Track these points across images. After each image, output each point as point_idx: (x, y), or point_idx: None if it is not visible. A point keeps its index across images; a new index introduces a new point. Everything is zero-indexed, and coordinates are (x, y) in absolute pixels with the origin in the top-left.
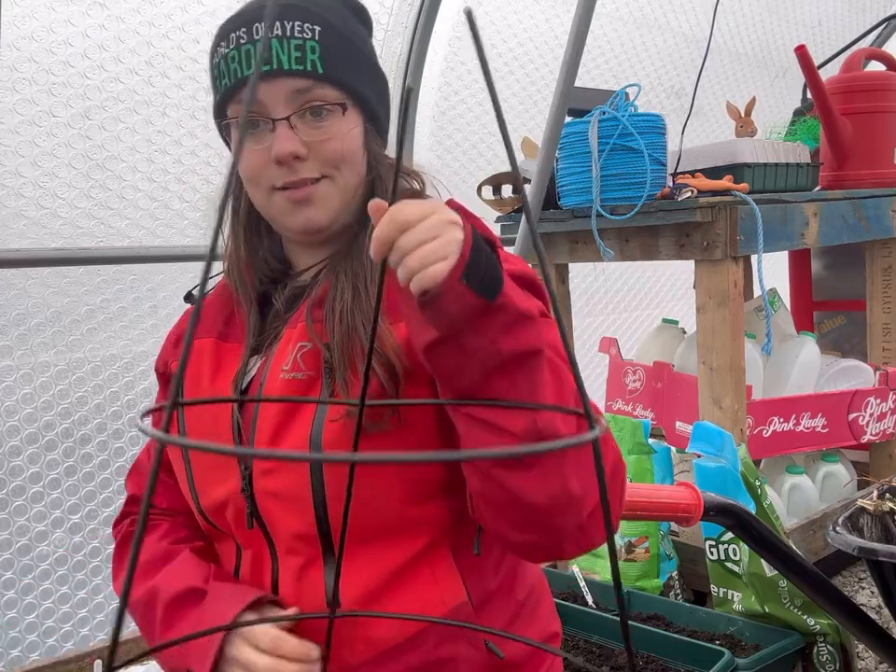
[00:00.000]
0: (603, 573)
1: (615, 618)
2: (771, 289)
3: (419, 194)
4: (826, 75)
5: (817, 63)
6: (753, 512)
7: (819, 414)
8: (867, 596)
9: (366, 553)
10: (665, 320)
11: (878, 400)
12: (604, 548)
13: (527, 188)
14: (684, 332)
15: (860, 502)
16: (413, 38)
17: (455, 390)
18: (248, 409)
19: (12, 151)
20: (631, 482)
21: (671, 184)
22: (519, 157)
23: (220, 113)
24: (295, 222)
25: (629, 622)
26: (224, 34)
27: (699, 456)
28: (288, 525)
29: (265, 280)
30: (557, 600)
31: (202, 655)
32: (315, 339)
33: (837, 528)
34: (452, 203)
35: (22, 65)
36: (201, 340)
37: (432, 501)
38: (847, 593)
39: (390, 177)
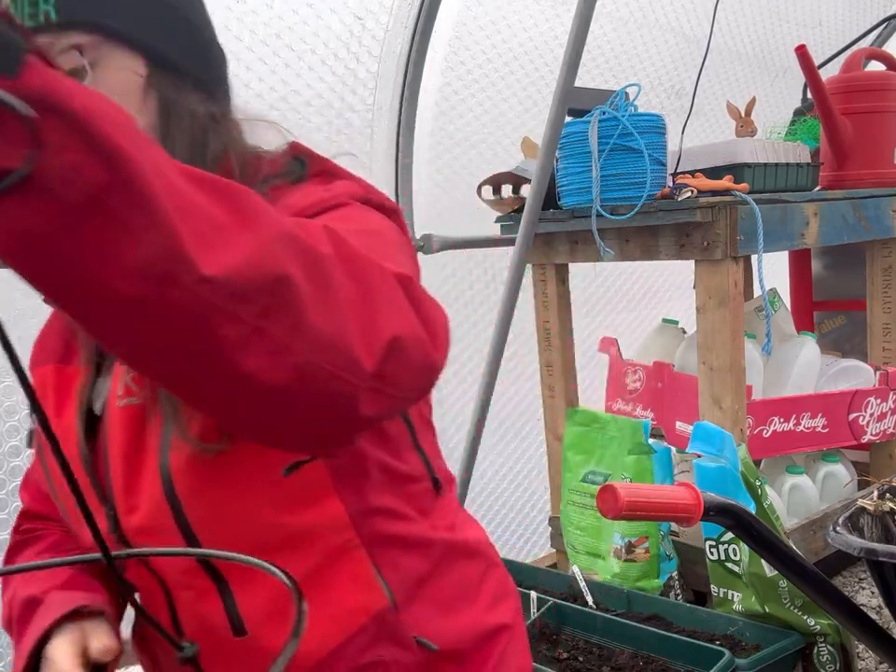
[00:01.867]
0: (603, 573)
1: (615, 618)
2: (771, 289)
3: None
4: (826, 74)
5: (817, 62)
6: (753, 512)
7: (820, 414)
8: (867, 597)
9: (256, 575)
10: (664, 320)
11: (878, 400)
12: (604, 548)
13: (527, 188)
14: (684, 332)
15: (860, 502)
16: (413, 38)
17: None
18: (100, 440)
19: None
20: (631, 481)
21: (671, 184)
22: (519, 157)
23: None
24: None
25: (629, 622)
26: None
27: (699, 457)
28: (168, 561)
29: None
30: (557, 600)
31: None
32: None
33: (837, 528)
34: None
35: None
36: (42, 368)
37: (318, 504)
38: (847, 593)
39: (203, 127)
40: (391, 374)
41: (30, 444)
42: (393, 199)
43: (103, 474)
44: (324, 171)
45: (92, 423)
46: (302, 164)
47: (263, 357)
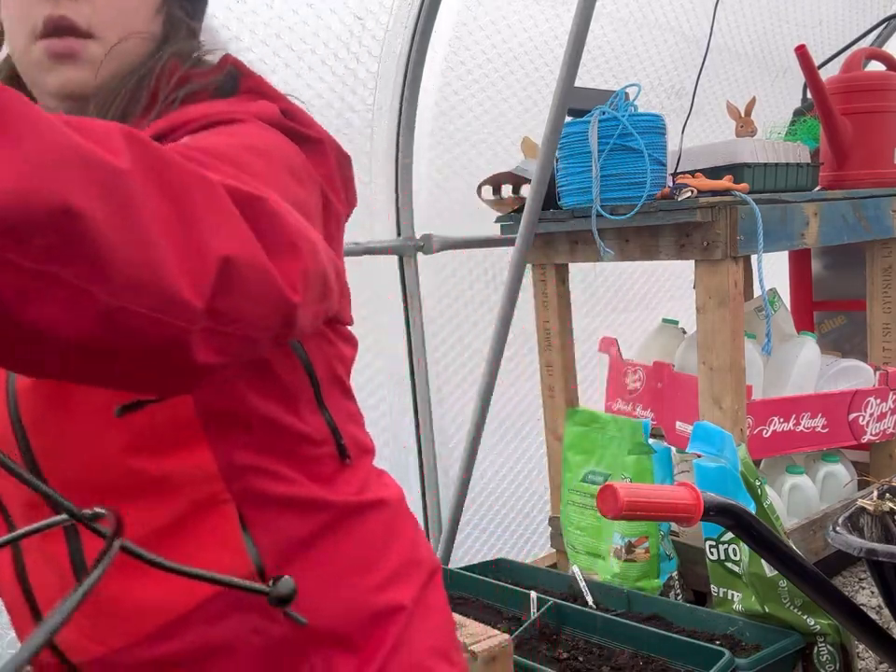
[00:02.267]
0: (603, 573)
1: (615, 618)
2: (771, 289)
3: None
4: (826, 75)
5: (817, 62)
6: (753, 513)
7: (819, 414)
8: (867, 596)
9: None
10: (664, 320)
11: (878, 400)
12: (604, 548)
13: (527, 188)
14: (684, 332)
15: (860, 502)
16: (413, 38)
17: None
18: None
19: None
20: (631, 481)
21: (671, 184)
22: (519, 157)
23: None
24: (51, 80)
25: (629, 622)
26: None
27: (699, 456)
28: (13, 493)
29: None
30: (557, 600)
31: None
32: None
33: (837, 528)
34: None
35: None
36: None
37: (183, 450)
38: (847, 593)
39: (188, 56)
40: (228, 308)
41: None
42: (393, 199)
43: None
44: (251, 89)
45: None
46: (234, 80)
47: (54, 308)
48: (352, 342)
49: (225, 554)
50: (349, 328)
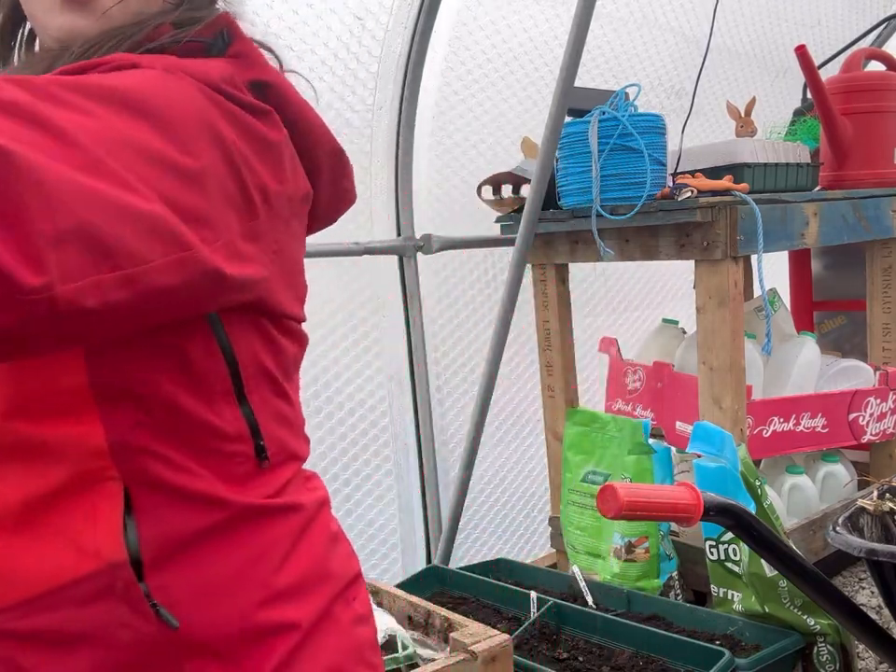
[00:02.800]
0: (603, 573)
1: (615, 618)
2: (771, 289)
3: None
4: (826, 74)
5: (817, 62)
6: (753, 513)
7: (819, 414)
8: (867, 596)
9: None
10: (664, 320)
11: (878, 400)
12: (604, 547)
13: (527, 188)
14: (684, 332)
15: (860, 502)
16: (413, 38)
17: None
18: None
19: None
20: (631, 481)
21: (671, 184)
22: (519, 157)
23: None
24: (56, 23)
25: (629, 622)
26: None
27: (699, 456)
28: None
29: None
30: (557, 600)
31: None
32: None
33: (837, 528)
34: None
35: None
36: None
37: (71, 419)
38: (847, 593)
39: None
40: None
41: None
42: (393, 199)
43: None
44: (238, 53)
45: None
46: (224, 42)
47: None
48: (298, 338)
49: (101, 535)
50: (300, 325)
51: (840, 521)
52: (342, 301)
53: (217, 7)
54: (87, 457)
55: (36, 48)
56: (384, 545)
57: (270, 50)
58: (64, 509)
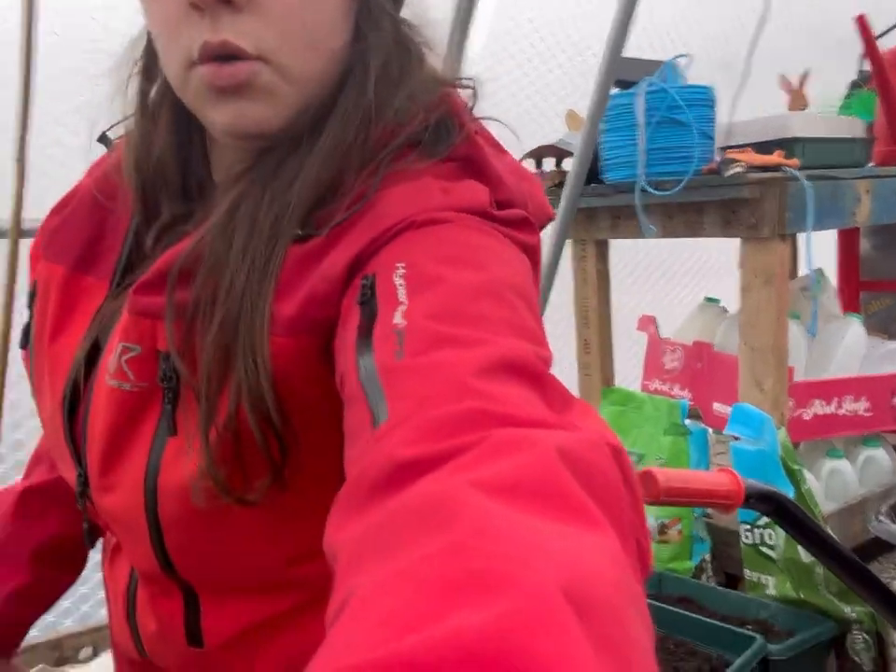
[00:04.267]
0: None
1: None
2: (817, 269)
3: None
4: (885, 46)
5: (876, 33)
6: (792, 497)
7: (863, 398)
8: None
9: (231, 600)
10: (706, 299)
11: None
12: None
13: (570, 161)
14: (726, 312)
15: None
16: (458, 8)
17: None
18: (84, 397)
19: None
20: (666, 464)
21: (719, 159)
22: (563, 130)
23: None
24: (219, 117)
25: (660, 604)
26: None
27: (737, 439)
28: (134, 558)
29: (169, 187)
30: None
31: None
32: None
33: (880, 517)
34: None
35: None
36: (50, 265)
37: (317, 559)
38: (883, 580)
39: (391, 54)
40: None
41: (24, 344)
42: None
43: (79, 434)
44: (466, 157)
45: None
46: (447, 136)
47: None
48: None
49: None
50: None
51: (884, 510)
52: None
53: (405, 34)
54: (317, 590)
55: None
56: None
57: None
58: (285, 629)
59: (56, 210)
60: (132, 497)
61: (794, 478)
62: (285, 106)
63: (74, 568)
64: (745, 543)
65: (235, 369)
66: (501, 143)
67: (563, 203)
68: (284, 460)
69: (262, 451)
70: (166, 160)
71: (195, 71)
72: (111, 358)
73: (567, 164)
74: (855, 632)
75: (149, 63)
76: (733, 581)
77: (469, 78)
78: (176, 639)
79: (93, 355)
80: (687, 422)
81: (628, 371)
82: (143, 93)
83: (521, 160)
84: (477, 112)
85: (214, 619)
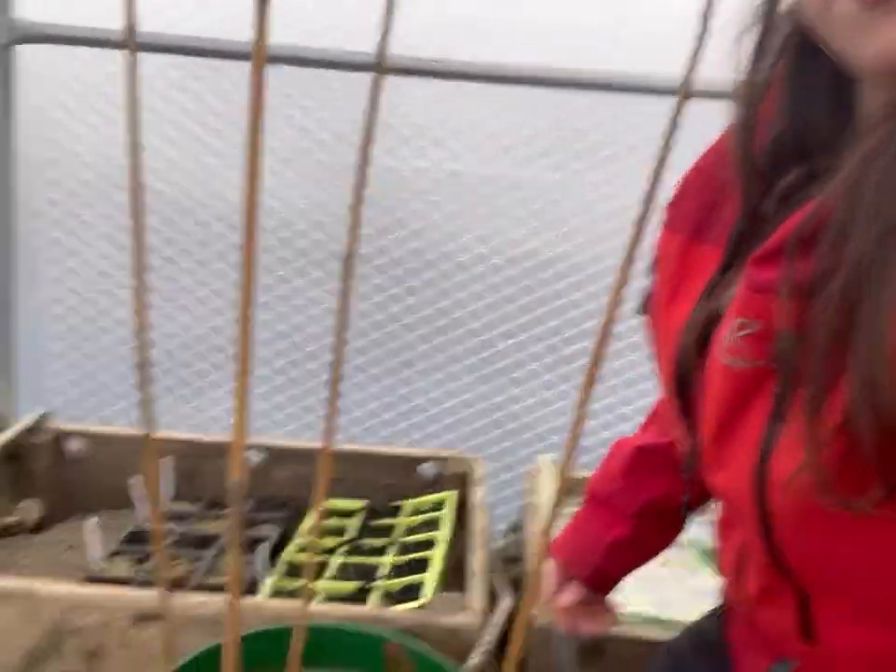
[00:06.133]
0: None
1: None
2: None
3: None
4: None
5: None
6: None
7: None
8: None
9: (849, 615)
10: None
11: None
12: None
13: None
14: None
15: None
16: None
17: None
18: (702, 367)
19: None
20: None
21: None
22: None
23: None
24: (869, 45)
25: None
26: None
27: None
28: (743, 537)
29: (787, 151)
30: None
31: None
32: (761, 318)
33: None
34: None
35: None
36: (670, 234)
37: None
38: None
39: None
40: None
41: (643, 310)
42: None
43: (693, 405)
44: None
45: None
46: None
47: None
48: None
49: None
50: None
51: None
52: None
53: None
54: None
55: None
56: None
57: None
58: None
59: (679, 184)
60: (740, 480)
61: None
62: None
63: (672, 532)
64: None
65: (852, 356)
66: None
67: None
68: None
69: (871, 456)
70: (785, 116)
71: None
72: (726, 333)
73: None
74: None
75: (769, 9)
76: None
77: None
78: (784, 624)
79: (707, 327)
80: None
81: None
82: (759, 46)
83: None
84: None
85: (826, 625)
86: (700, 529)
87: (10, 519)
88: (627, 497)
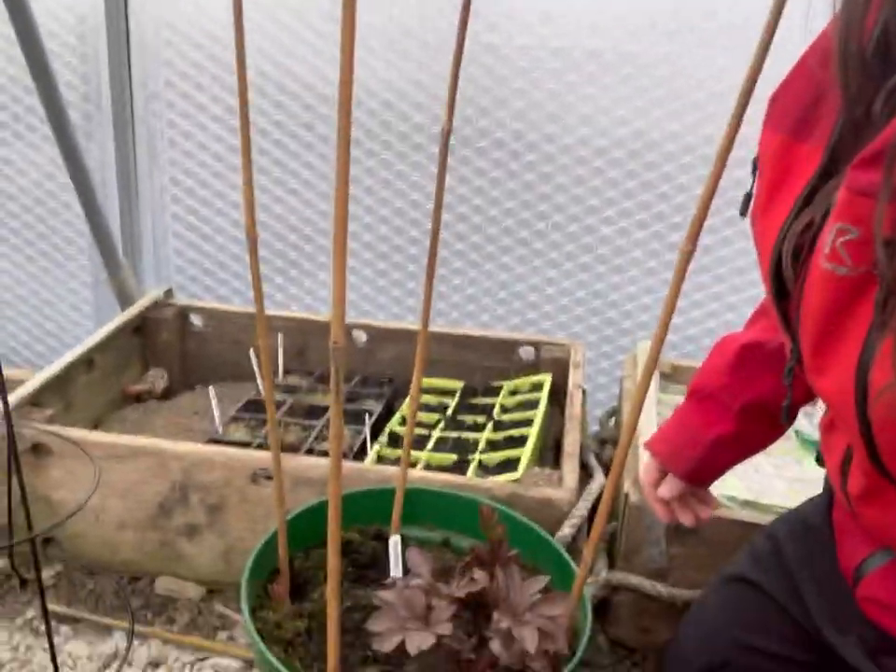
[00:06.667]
0: None
1: None
2: None
3: None
4: None
5: None
6: None
7: None
8: None
9: None
10: None
11: None
12: None
13: None
14: None
15: None
16: None
17: None
18: (798, 274)
19: None
20: None
21: None
22: None
23: None
24: None
25: None
26: None
27: None
28: (847, 440)
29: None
30: None
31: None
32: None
33: None
34: None
35: None
36: (771, 134)
37: None
38: None
39: None
40: None
41: (744, 211)
42: None
43: (793, 308)
44: None
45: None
46: None
47: None
48: None
49: None
50: None
51: None
52: None
53: None
54: None
55: None
56: None
57: None
58: None
59: (785, 77)
60: (842, 386)
61: None
62: None
63: (775, 431)
64: None
65: None
66: None
67: None
68: None
69: None
70: (890, 15)
71: None
72: (827, 238)
73: None
74: None
75: None
76: None
77: None
78: (887, 520)
79: (805, 232)
80: None
81: None
82: None
83: None
84: None
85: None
86: (805, 420)
87: (141, 386)
88: (732, 393)
